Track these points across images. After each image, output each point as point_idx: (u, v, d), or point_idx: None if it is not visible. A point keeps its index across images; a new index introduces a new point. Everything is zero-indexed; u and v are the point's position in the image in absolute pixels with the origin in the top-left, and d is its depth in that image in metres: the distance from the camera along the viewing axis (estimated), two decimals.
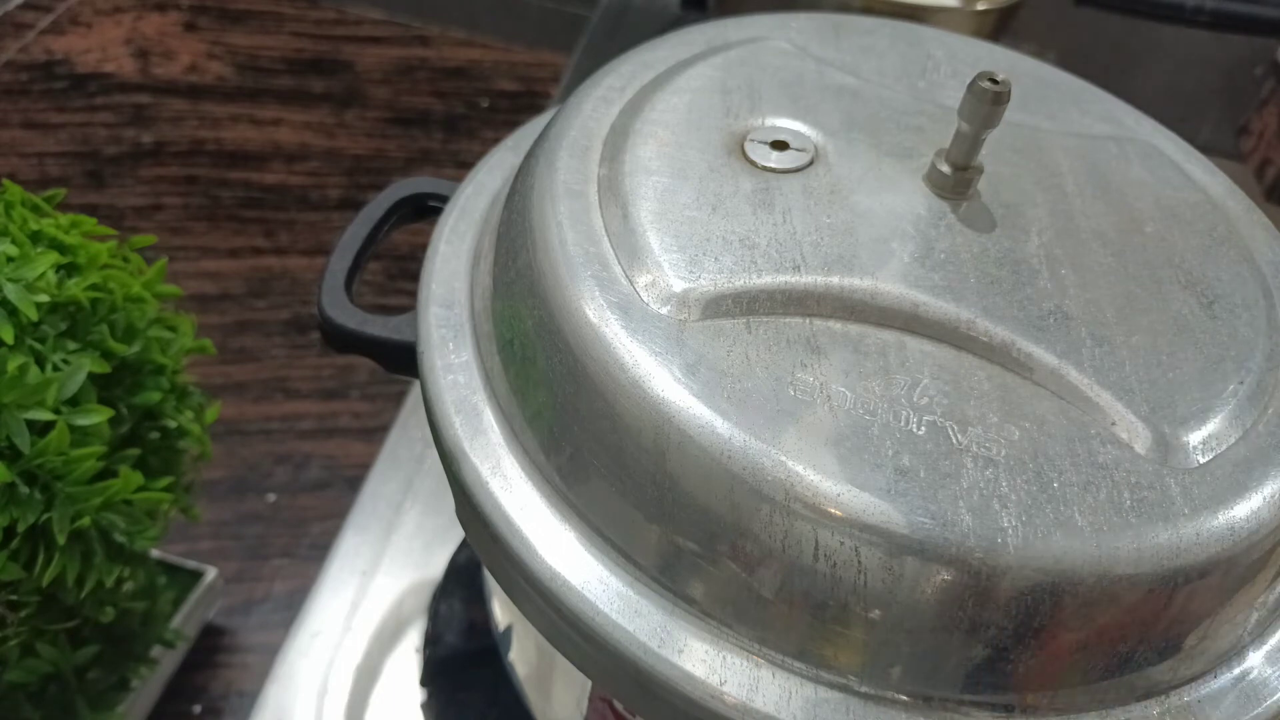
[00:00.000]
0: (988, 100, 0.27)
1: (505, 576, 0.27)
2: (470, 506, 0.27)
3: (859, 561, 0.23)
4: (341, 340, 0.33)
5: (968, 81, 0.33)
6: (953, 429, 0.24)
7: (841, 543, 0.23)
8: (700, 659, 0.24)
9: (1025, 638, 0.23)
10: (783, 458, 0.23)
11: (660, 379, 0.25)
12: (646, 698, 0.25)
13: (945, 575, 0.23)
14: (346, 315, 0.33)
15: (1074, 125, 0.34)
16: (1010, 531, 0.23)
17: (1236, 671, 0.26)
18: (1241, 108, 0.82)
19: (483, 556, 0.28)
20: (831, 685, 0.24)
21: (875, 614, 0.23)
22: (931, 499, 0.23)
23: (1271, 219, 0.33)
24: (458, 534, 0.51)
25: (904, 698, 0.24)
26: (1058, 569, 0.23)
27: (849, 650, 0.24)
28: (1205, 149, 0.35)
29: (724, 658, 0.24)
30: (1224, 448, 0.25)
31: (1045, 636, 0.23)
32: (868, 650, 0.24)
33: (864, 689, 0.24)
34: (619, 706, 0.32)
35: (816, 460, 0.23)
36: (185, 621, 0.48)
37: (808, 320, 0.26)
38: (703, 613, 0.25)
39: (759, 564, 0.24)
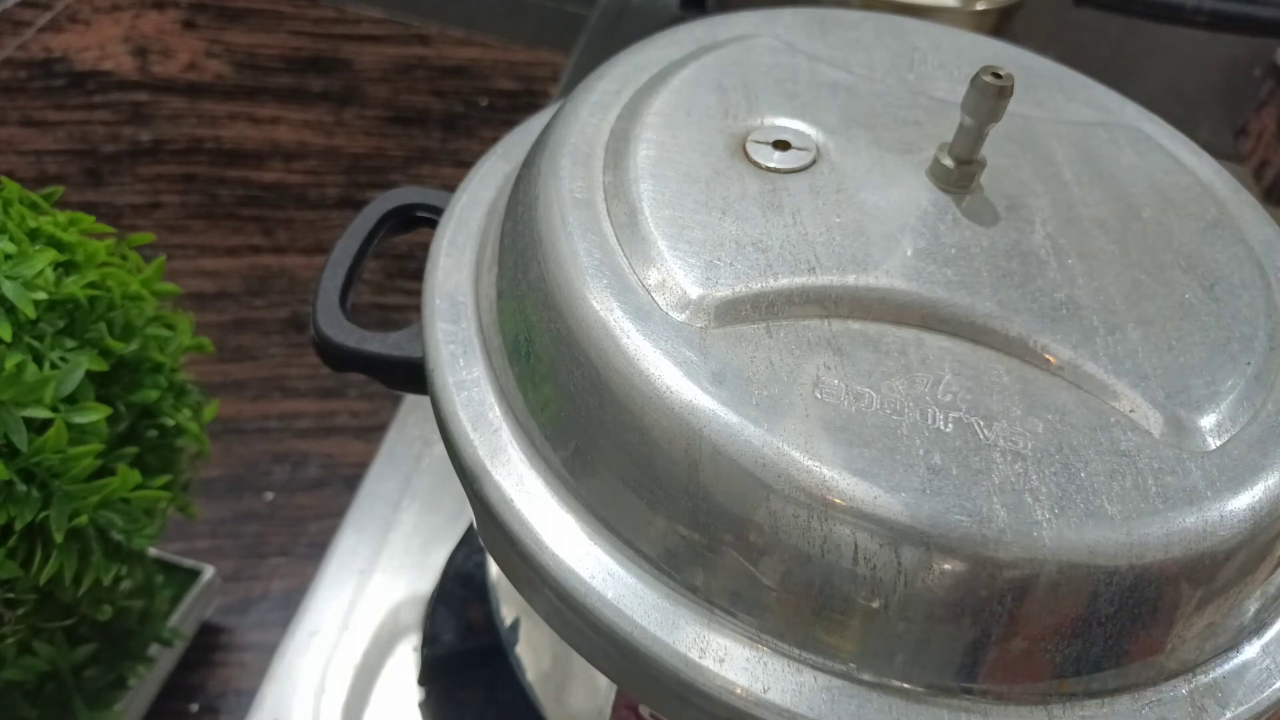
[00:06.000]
0: (991, 94, 0.27)
1: (541, 599, 0.27)
2: (495, 524, 0.27)
3: (899, 563, 0.23)
4: (340, 359, 0.32)
5: (954, 73, 0.34)
6: (979, 424, 0.25)
7: (880, 545, 0.23)
8: (743, 667, 0.24)
9: (1062, 627, 0.24)
10: (817, 464, 0.23)
11: (688, 390, 0.25)
12: (684, 705, 0.25)
13: (984, 571, 0.23)
14: (344, 333, 0.32)
15: (1062, 112, 0.34)
16: (1045, 524, 0.23)
17: (1260, 645, 0.27)
18: (1240, 109, 0.82)
19: (510, 575, 0.28)
20: (872, 686, 0.24)
21: (917, 613, 0.23)
22: (966, 496, 0.23)
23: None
24: (456, 533, 0.51)
25: (945, 693, 0.24)
26: (1092, 558, 0.23)
27: (890, 650, 0.24)
28: (1204, 150, 0.35)
29: (765, 663, 0.24)
30: (1238, 429, 0.26)
31: (1081, 625, 0.24)
32: (910, 648, 0.24)
33: (907, 686, 0.24)
34: (645, 714, 0.32)
35: (850, 464, 0.23)
36: (183, 620, 0.48)
37: (826, 321, 0.26)
38: (741, 620, 0.25)
39: (798, 570, 0.24)
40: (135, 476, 0.37)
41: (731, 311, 0.26)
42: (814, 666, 0.24)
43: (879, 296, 0.27)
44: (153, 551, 0.49)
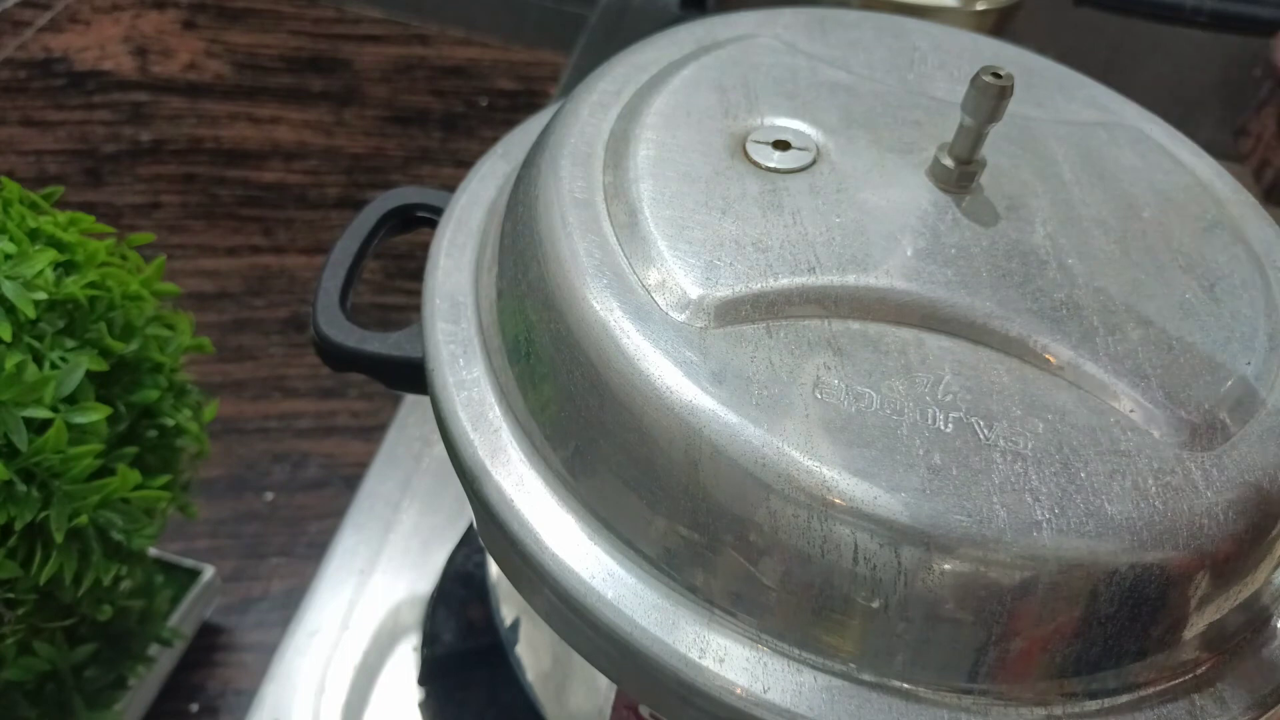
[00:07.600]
0: (991, 94, 0.27)
1: (541, 599, 0.27)
2: (495, 524, 0.27)
3: (899, 563, 0.23)
4: (340, 359, 0.32)
5: (955, 72, 0.33)
6: (979, 425, 0.25)
7: (880, 545, 0.23)
8: (743, 667, 0.24)
9: (1062, 627, 0.24)
10: (816, 464, 0.23)
11: (688, 390, 0.25)
12: (684, 705, 0.25)
13: (985, 572, 0.23)
14: (344, 333, 0.32)
15: (1062, 112, 0.34)
16: (1045, 525, 0.23)
17: (1259, 644, 0.27)
18: (1240, 109, 0.82)
19: (510, 575, 0.28)
20: (872, 686, 0.24)
21: (917, 613, 0.23)
22: (966, 496, 0.23)
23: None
24: (455, 532, 0.51)
25: (945, 692, 0.24)
26: (1092, 558, 0.23)
27: (890, 650, 0.24)
28: (1204, 150, 0.35)
29: (765, 663, 0.24)
30: (1238, 429, 0.26)
31: (1081, 625, 0.24)
32: (910, 648, 0.24)
33: (907, 686, 0.24)
34: (645, 714, 0.32)
35: (850, 464, 0.23)
36: (183, 620, 0.48)
37: (826, 321, 0.26)
38: (741, 620, 0.25)
39: (798, 570, 0.24)
40: (135, 476, 0.37)
41: (731, 311, 0.26)
42: (814, 666, 0.24)
43: (879, 296, 0.27)
44: (153, 551, 0.49)
